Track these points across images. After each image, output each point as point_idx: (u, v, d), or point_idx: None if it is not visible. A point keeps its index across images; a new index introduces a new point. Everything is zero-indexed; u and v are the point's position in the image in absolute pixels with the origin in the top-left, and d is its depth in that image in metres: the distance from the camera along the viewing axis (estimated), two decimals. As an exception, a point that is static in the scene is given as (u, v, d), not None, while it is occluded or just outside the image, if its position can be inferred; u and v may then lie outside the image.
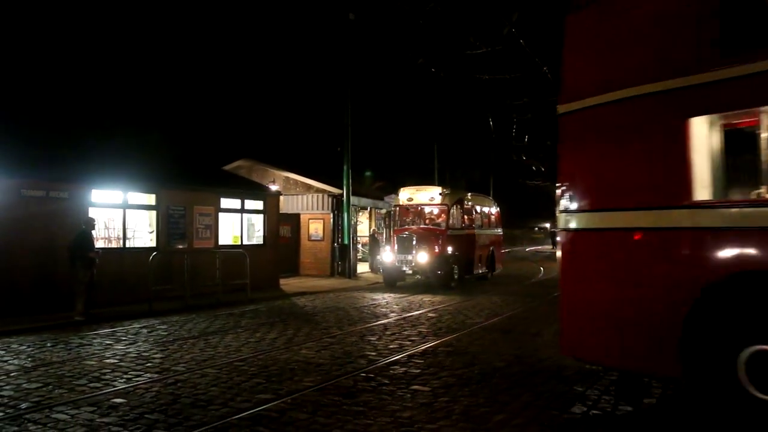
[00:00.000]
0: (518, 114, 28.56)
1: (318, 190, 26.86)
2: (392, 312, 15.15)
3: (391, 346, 10.64)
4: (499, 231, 27.37)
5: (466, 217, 23.33)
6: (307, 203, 26.77)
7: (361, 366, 9.12)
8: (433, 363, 9.33)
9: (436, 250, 20.82)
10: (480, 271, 24.02)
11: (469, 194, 24.84)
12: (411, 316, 14.50)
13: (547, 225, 62.84)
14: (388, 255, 21.64)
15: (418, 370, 8.83)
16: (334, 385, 8.03)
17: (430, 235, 21.36)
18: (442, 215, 22.12)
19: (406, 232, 21.49)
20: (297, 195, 27.05)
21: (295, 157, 33.33)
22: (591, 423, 6.51)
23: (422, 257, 20.67)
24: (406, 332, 12.12)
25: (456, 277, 21.35)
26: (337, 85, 25.81)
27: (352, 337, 11.61)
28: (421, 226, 22.39)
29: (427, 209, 22.85)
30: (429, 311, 15.28)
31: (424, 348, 10.50)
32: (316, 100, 45.57)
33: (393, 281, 21.70)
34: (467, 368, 8.99)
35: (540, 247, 55.31)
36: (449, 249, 21.16)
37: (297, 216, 26.63)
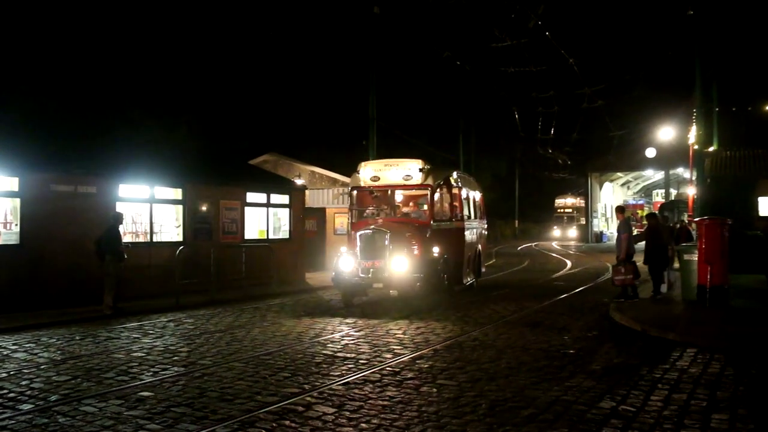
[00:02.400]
0: (544, 107, 28.38)
1: (343, 184, 26.84)
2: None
3: (417, 339, 10.61)
4: (485, 223, 21.48)
5: (454, 204, 17.36)
6: (333, 197, 26.78)
7: (386, 360, 9.09)
8: (460, 357, 9.28)
9: (416, 253, 14.67)
10: (469, 279, 18.21)
11: (455, 172, 18.80)
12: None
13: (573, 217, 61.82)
14: (346, 260, 14.78)
15: (444, 364, 8.79)
16: (361, 379, 8.02)
17: (410, 230, 15.20)
18: (424, 201, 16.19)
19: (372, 227, 14.94)
20: (322, 189, 27.08)
21: (320, 151, 33.41)
22: (620, 418, 6.41)
23: (400, 264, 14.31)
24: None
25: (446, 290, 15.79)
26: (363, 78, 25.79)
27: (379, 330, 11.59)
28: (392, 217, 16.27)
29: (399, 193, 16.89)
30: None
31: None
32: (342, 94, 45.64)
33: (351, 297, 15.17)
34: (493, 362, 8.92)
35: (566, 243, 54.11)
36: (435, 250, 15.22)
37: (323, 210, 26.65)
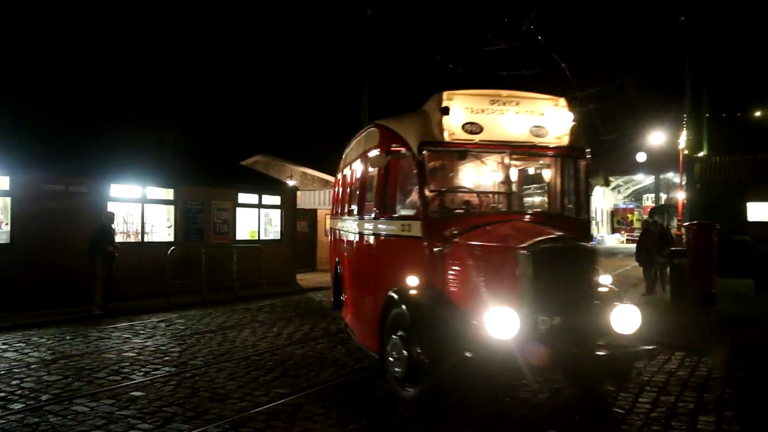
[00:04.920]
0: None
1: (336, 186, 26.80)
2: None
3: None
4: None
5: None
6: (324, 198, 26.77)
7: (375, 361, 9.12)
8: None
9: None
10: None
11: None
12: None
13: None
14: (494, 318, 5.87)
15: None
16: (350, 380, 8.05)
17: (584, 239, 7.40)
18: (570, 179, 8.03)
19: (553, 237, 6.36)
20: (314, 190, 27.07)
21: (312, 152, 33.39)
22: (609, 422, 6.48)
23: (624, 318, 6.27)
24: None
25: None
26: (355, 80, 25.81)
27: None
28: (523, 212, 7.87)
29: (517, 161, 8.03)
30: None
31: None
32: (334, 96, 45.66)
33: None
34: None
35: None
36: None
37: (314, 211, 26.65)
